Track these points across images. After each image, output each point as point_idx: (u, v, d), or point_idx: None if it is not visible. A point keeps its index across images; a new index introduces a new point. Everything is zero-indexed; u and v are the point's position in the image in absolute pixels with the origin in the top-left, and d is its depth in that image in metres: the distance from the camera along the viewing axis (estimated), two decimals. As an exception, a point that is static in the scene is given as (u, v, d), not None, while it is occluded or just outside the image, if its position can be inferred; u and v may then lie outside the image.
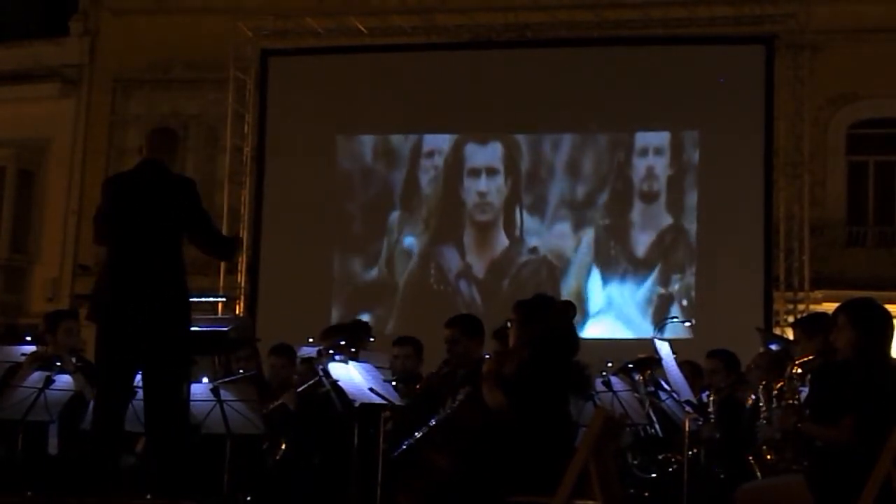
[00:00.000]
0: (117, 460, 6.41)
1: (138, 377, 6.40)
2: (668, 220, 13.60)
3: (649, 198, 13.73)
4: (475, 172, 14.30)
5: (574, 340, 6.11)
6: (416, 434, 6.78)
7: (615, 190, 13.83)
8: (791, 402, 5.69)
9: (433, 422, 6.75)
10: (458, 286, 14.06)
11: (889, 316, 5.49)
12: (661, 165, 13.75)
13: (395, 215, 14.34)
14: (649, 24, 14.23)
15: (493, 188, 14.25)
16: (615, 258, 13.67)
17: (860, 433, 5.17)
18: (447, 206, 14.31)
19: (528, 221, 14.03)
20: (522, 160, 14.13)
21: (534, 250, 13.94)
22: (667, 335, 8.47)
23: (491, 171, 14.24)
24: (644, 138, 13.85)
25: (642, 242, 13.62)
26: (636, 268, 13.57)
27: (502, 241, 14.12)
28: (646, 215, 13.70)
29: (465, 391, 6.66)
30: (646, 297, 13.47)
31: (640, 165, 13.81)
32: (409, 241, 14.33)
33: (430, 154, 14.39)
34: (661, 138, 13.80)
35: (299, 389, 7.69)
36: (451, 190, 14.33)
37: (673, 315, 12.48)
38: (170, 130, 7.15)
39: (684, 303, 13.31)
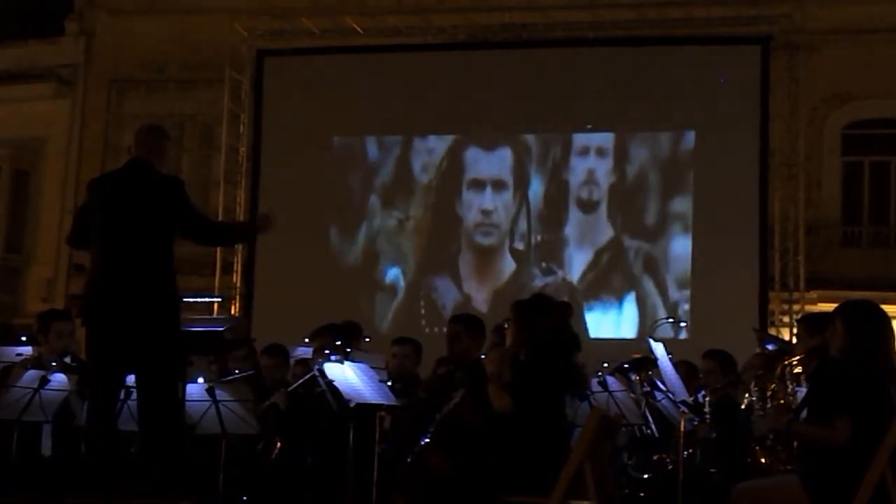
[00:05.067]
0: (114, 460, 6.39)
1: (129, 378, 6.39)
2: (664, 220, 13.60)
3: (644, 198, 13.73)
4: (478, 184, 13.96)
5: (572, 340, 6.11)
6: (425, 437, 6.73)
7: (613, 192, 13.82)
8: (782, 402, 5.68)
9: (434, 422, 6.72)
10: None
11: (886, 317, 5.48)
12: (656, 165, 13.74)
13: (391, 216, 14.27)
14: (645, 24, 14.25)
15: (499, 204, 13.85)
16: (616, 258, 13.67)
17: (854, 433, 5.16)
18: (441, 220, 13.96)
19: (537, 234, 13.60)
20: (530, 165, 13.86)
21: (548, 270, 13.52)
22: (661, 336, 8.44)
23: (498, 185, 13.87)
24: (639, 138, 13.85)
25: (641, 242, 13.63)
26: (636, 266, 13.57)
27: (508, 264, 13.71)
28: (646, 215, 13.71)
29: (462, 392, 6.64)
30: (644, 298, 13.47)
31: (631, 166, 13.81)
32: (395, 272, 13.89)
33: (429, 155, 14.32)
34: (653, 138, 13.80)
35: (290, 389, 7.68)
36: (446, 203, 14.02)
37: (668, 315, 12.47)
38: (157, 128, 6.89)
39: (681, 303, 13.30)
